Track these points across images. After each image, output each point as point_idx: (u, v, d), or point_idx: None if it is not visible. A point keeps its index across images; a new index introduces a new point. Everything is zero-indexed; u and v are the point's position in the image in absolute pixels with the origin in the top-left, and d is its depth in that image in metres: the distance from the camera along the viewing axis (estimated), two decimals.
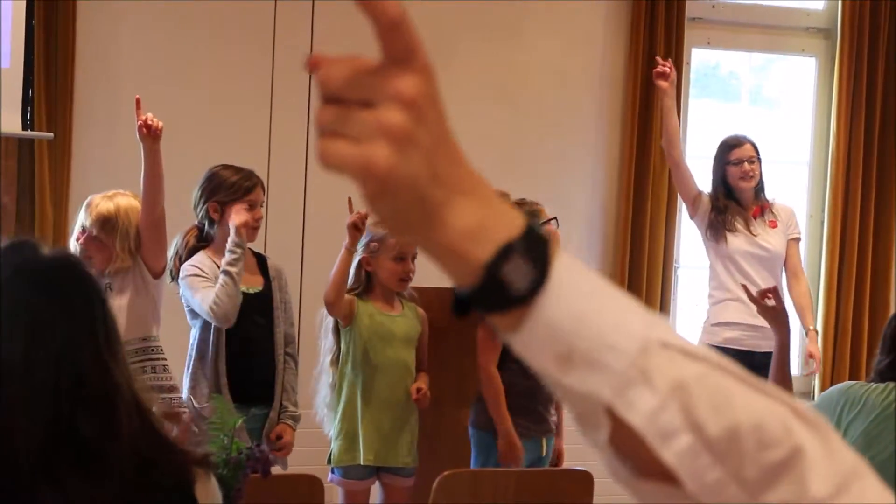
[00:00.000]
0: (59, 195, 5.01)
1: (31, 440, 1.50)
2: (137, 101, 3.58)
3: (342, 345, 4.01)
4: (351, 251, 3.89)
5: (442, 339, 4.20)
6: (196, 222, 3.95)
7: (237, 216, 3.75)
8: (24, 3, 4.90)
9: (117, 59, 5.21)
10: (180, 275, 3.83)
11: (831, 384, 5.03)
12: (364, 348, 3.97)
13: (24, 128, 4.97)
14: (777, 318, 3.55)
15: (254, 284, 3.91)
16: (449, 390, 4.29)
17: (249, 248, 3.88)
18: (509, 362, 3.97)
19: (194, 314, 3.86)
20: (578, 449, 4.28)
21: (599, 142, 5.82)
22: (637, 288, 5.69)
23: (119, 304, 3.63)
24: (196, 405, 3.81)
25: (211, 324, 3.78)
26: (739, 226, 4.80)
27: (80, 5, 5.07)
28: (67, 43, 5.03)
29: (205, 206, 3.88)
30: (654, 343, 0.69)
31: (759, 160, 4.86)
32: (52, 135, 4.97)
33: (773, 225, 4.85)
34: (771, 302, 3.55)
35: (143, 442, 1.57)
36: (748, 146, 4.84)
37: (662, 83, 4.72)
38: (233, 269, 3.70)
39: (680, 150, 4.74)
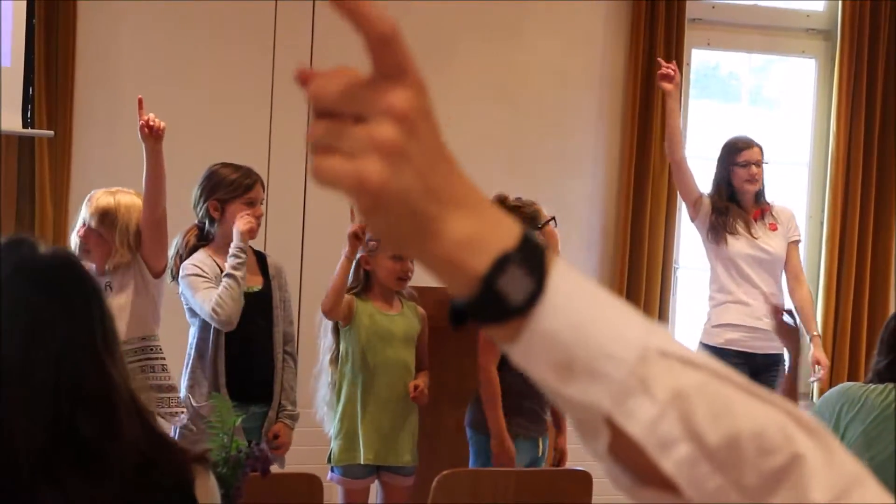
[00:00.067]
0: (59, 195, 5.01)
1: (31, 440, 1.49)
2: (140, 102, 3.58)
3: (341, 344, 4.01)
4: (351, 260, 3.88)
5: (442, 339, 4.20)
6: (196, 221, 3.95)
7: (242, 222, 3.76)
8: (24, 3, 4.90)
9: (118, 58, 5.21)
10: (180, 273, 3.83)
11: (830, 385, 5.03)
12: (363, 348, 3.97)
13: (25, 126, 4.97)
14: (791, 336, 3.66)
15: (253, 283, 3.91)
16: (449, 389, 4.29)
17: (249, 246, 3.88)
18: (509, 364, 3.96)
19: (193, 313, 3.85)
20: (578, 449, 4.29)
21: (599, 142, 5.82)
22: (637, 288, 5.70)
23: (119, 304, 3.63)
24: (195, 404, 3.81)
25: (210, 323, 3.78)
26: (740, 228, 4.79)
27: (80, 5, 5.07)
28: (68, 42, 5.04)
29: (205, 205, 3.88)
30: (653, 352, 0.69)
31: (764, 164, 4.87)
32: (52, 133, 4.97)
33: (774, 228, 4.84)
34: (790, 321, 3.62)
35: (143, 441, 1.57)
36: (757, 149, 4.83)
37: (667, 85, 4.71)
38: (238, 274, 3.71)
39: (682, 152, 4.74)
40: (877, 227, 5.98)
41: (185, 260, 3.85)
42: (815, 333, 4.92)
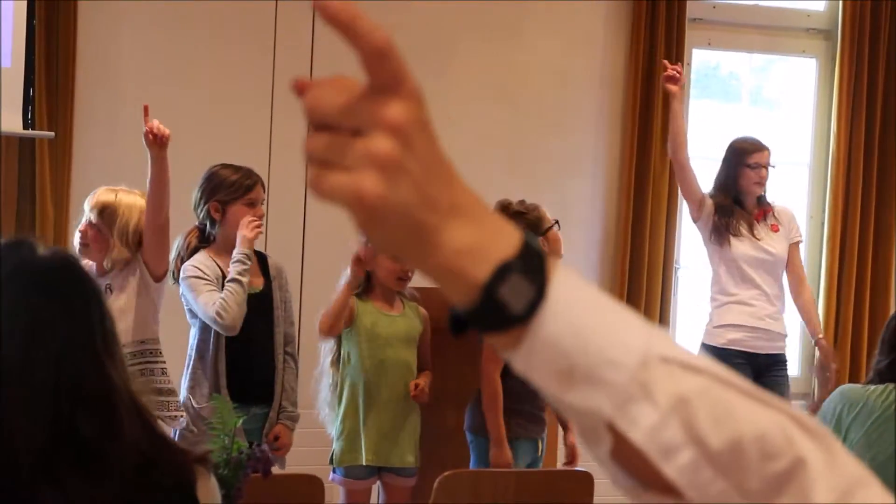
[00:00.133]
0: (59, 195, 5.01)
1: (32, 440, 1.50)
2: (145, 109, 3.57)
3: (343, 346, 4.01)
4: (353, 286, 3.88)
5: (444, 340, 4.19)
6: (197, 223, 3.94)
7: (248, 229, 3.75)
8: (24, 3, 4.90)
9: (118, 58, 5.21)
10: (181, 275, 3.82)
11: (837, 386, 5.04)
12: (364, 349, 3.97)
13: (25, 127, 4.97)
14: (826, 373, 3.91)
15: (254, 284, 3.90)
16: (450, 390, 4.28)
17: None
18: (510, 369, 3.95)
19: (194, 314, 3.85)
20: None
21: (599, 142, 5.82)
22: (637, 288, 5.70)
23: (118, 306, 3.62)
24: (196, 405, 3.80)
25: (212, 326, 3.78)
26: (744, 230, 4.79)
27: (81, 5, 5.07)
28: (68, 42, 5.04)
29: (206, 207, 3.87)
30: (654, 357, 0.69)
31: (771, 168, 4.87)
32: (52, 133, 4.97)
33: (776, 229, 4.84)
34: (835, 365, 3.96)
35: (144, 442, 1.57)
36: (767, 153, 4.83)
37: (672, 87, 4.71)
38: (244, 280, 3.71)
39: (686, 153, 4.73)
40: (877, 227, 5.98)
41: (185, 261, 3.85)
42: (821, 336, 4.93)
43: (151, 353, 3.76)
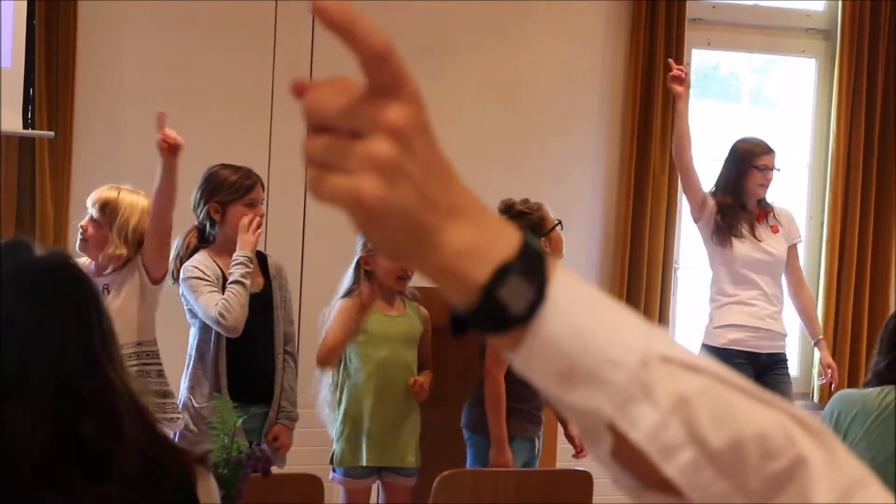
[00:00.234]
0: (59, 195, 5.01)
1: (32, 441, 1.50)
2: (161, 116, 3.57)
3: None
4: (357, 322, 3.88)
5: (445, 339, 4.19)
6: (196, 223, 3.94)
7: (249, 232, 3.76)
8: (24, 3, 4.90)
9: (118, 58, 5.21)
10: (181, 275, 3.82)
11: (831, 385, 5.04)
12: (365, 349, 3.97)
13: (25, 127, 4.97)
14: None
15: (254, 284, 3.90)
16: (450, 390, 4.28)
17: None
18: (510, 369, 3.96)
19: (194, 314, 3.85)
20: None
21: (599, 142, 5.83)
22: (637, 288, 5.70)
23: (116, 307, 3.62)
24: (196, 405, 3.80)
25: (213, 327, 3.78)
26: (745, 231, 4.79)
27: (81, 5, 5.07)
28: (69, 42, 5.04)
29: (205, 207, 3.87)
30: (654, 357, 0.69)
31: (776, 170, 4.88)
32: (52, 133, 4.97)
33: (776, 230, 4.84)
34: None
35: (145, 442, 1.58)
36: (774, 155, 4.84)
37: (677, 87, 4.71)
38: (246, 281, 3.72)
39: (690, 154, 4.73)
40: (877, 228, 5.98)
41: (185, 262, 3.85)
42: (821, 337, 4.94)
43: (148, 354, 3.76)
